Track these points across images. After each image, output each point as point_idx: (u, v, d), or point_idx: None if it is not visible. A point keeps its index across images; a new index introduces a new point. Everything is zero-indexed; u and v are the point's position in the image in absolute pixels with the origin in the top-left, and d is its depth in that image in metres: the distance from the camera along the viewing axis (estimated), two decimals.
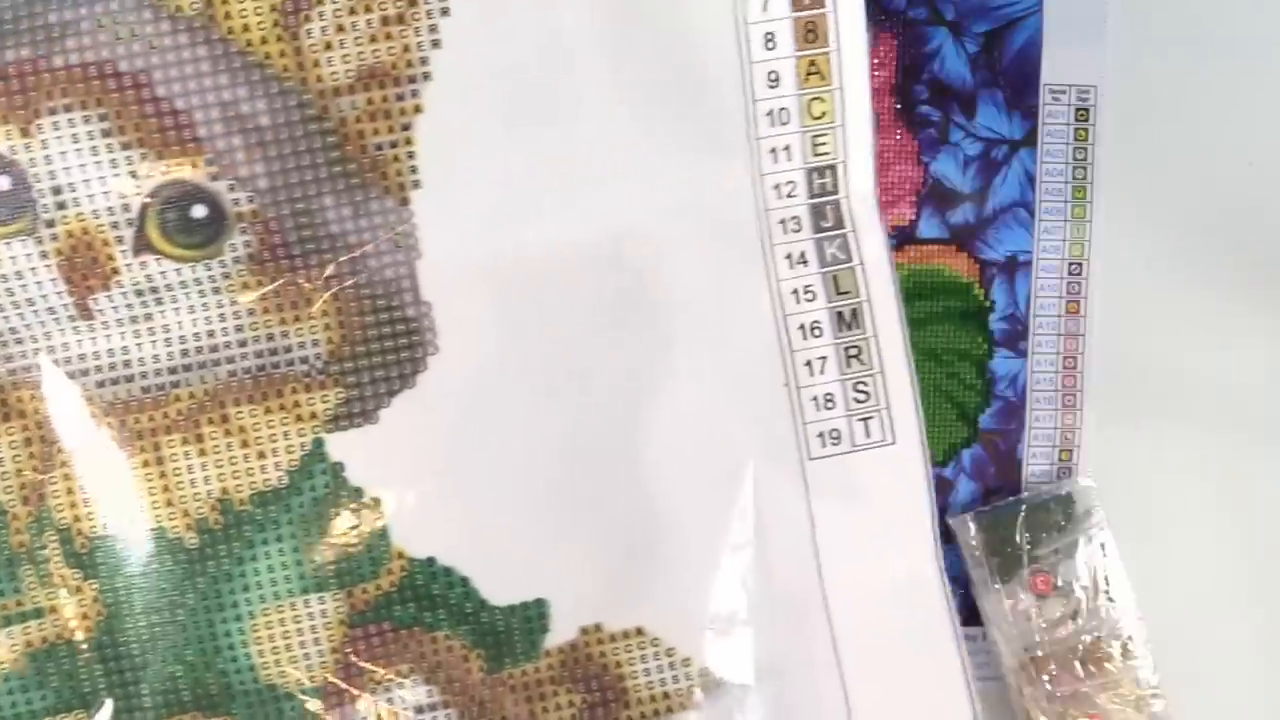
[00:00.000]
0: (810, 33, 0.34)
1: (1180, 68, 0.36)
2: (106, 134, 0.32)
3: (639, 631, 0.35)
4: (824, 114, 0.35)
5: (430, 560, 0.34)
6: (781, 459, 0.35)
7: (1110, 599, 0.34)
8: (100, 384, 0.33)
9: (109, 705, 0.34)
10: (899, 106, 0.36)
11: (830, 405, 0.35)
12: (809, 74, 0.34)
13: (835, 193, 0.35)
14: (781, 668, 0.35)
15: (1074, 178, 0.36)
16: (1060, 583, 0.34)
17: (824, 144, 0.35)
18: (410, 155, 0.33)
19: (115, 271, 0.32)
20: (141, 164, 0.32)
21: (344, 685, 0.34)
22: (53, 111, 0.31)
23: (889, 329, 0.35)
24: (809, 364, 0.35)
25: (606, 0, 0.33)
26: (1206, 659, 0.35)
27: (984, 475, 0.37)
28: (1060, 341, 0.36)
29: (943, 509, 0.36)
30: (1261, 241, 0.35)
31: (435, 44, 0.33)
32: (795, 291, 0.35)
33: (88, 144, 0.32)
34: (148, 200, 0.32)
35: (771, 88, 0.34)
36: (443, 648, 0.34)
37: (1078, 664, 0.34)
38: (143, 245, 0.32)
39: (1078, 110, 0.36)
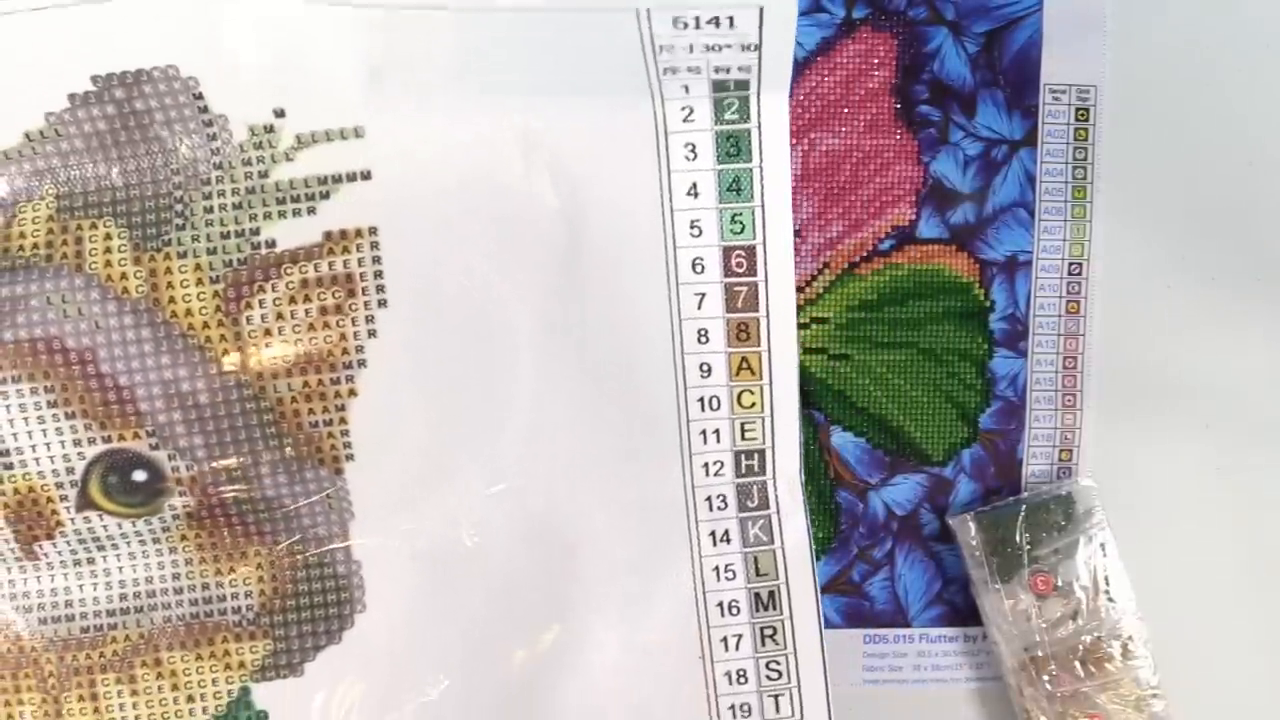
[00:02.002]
0: (742, 332, 0.31)
1: (1180, 68, 0.32)
2: (53, 404, 0.29)
3: None
4: (753, 404, 0.32)
5: None
6: None
7: (1110, 599, 0.31)
8: (43, 620, 0.31)
9: None
10: (899, 106, 0.32)
11: (743, 680, 0.33)
12: (740, 369, 0.31)
13: (761, 474, 0.32)
14: None
15: (1074, 178, 0.33)
16: (1060, 583, 0.31)
17: (752, 430, 0.32)
18: (344, 433, 0.31)
19: (59, 524, 0.30)
20: (85, 432, 0.30)
21: None
22: (2, 382, 0.29)
23: (804, 611, 0.32)
24: (725, 640, 0.32)
25: (544, 299, 0.31)
26: (1206, 659, 0.32)
27: (984, 475, 0.33)
28: (1060, 341, 0.33)
29: (943, 509, 0.33)
30: (1261, 241, 0.32)
31: (372, 334, 0.30)
32: (717, 569, 0.32)
33: (34, 413, 0.29)
34: (91, 464, 0.30)
35: (703, 377, 0.31)
36: None
37: (1078, 664, 0.31)
38: (85, 503, 0.30)
39: (1078, 110, 0.32)
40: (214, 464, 0.30)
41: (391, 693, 0.32)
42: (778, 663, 0.32)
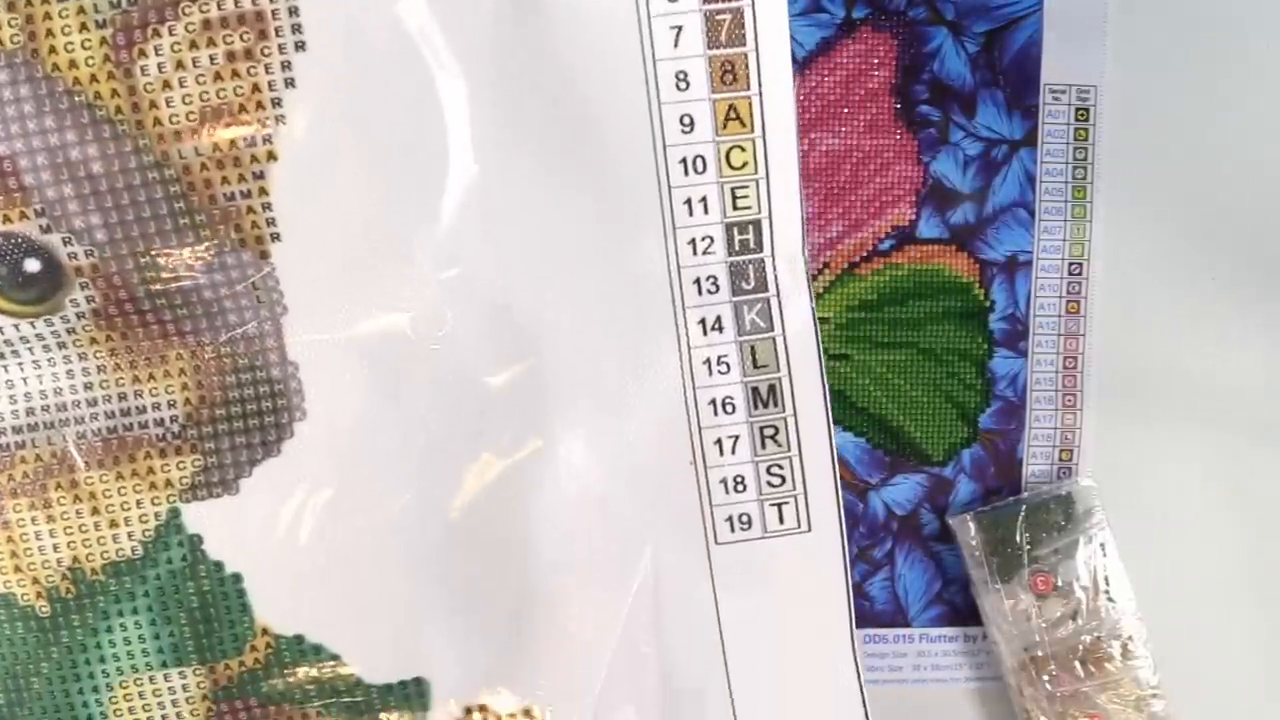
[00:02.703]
0: (728, 74, 0.25)
1: (1180, 68, 0.31)
2: None
3: (526, 713, 0.28)
4: (745, 164, 0.26)
5: (298, 638, 0.27)
6: (685, 544, 0.27)
7: (1110, 599, 0.30)
8: None
9: None
10: (899, 106, 0.30)
11: (741, 488, 0.27)
12: (727, 119, 0.26)
13: (758, 251, 0.27)
14: None
15: (1074, 178, 0.32)
16: (1060, 583, 0.30)
17: (745, 197, 0.26)
18: (266, 206, 0.25)
19: None
20: None
21: None
22: None
23: (810, 408, 0.27)
24: (719, 442, 0.27)
25: (494, 33, 0.25)
26: (1206, 659, 0.31)
27: (984, 475, 0.32)
28: (1060, 341, 0.32)
29: (943, 509, 0.31)
30: (1261, 241, 0.30)
31: (290, 83, 0.25)
32: (708, 362, 0.27)
33: None
34: None
35: (685, 133, 0.26)
36: None
37: (1078, 664, 0.30)
38: None
39: (1078, 110, 0.31)
40: (117, 248, 0.25)
41: (339, 510, 0.27)
42: (780, 467, 0.27)
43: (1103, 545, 0.31)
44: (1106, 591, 0.30)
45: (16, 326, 0.25)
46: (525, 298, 0.26)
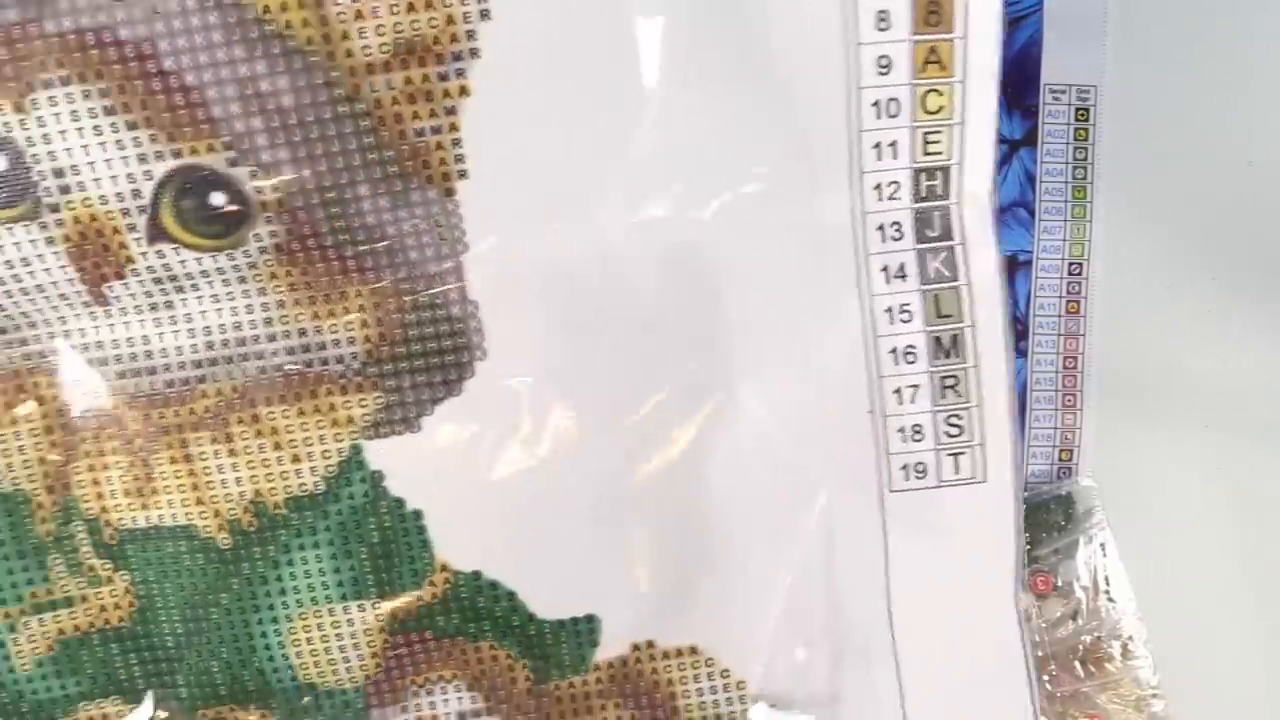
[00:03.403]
0: (933, 14, 0.23)
1: (1180, 68, 0.30)
2: (109, 111, 0.23)
3: (693, 650, 0.27)
4: (940, 109, 0.24)
5: (476, 574, 0.26)
6: (859, 489, 0.26)
7: (1110, 599, 0.30)
8: (121, 374, 0.25)
9: (149, 694, 0.27)
10: None
11: (918, 437, 0.26)
12: (927, 62, 0.24)
13: (945, 198, 0.25)
14: (841, 699, 0.27)
15: (1074, 178, 0.31)
16: (1060, 583, 0.30)
17: (936, 142, 0.24)
18: (456, 143, 0.23)
19: (129, 260, 0.24)
20: (151, 145, 0.23)
21: (385, 688, 0.27)
22: (48, 85, 0.22)
23: (993, 359, 0.25)
24: (898, 392, 0.26)
25: None
26: (1206, 659, 0.31)
27: None
28: (1060, 341, 0.31)
29: None
30: (1261, 241, 0.29)
31: (484, 14, 0.23)
32: (890, 310, 0.25)
33: (89, 122, 0.23)
34: (160, 186, 0.23)
35: (881, 74, 0.24)
36: (487, 657, 0.27)
37: (1078, 664, 0.30)
38: (158, 233, 0.24)
39: (1078, 110, 0.30)
40: (304, 183, 0.23)
41: (518, 450, 0.25)
42: (959, 417, 0.26)
43: (1103, 545, 0.30)
44: (1106, 591, 0.30)
45: (199, 260, 0.24)
46: (710, 240, 0.25)
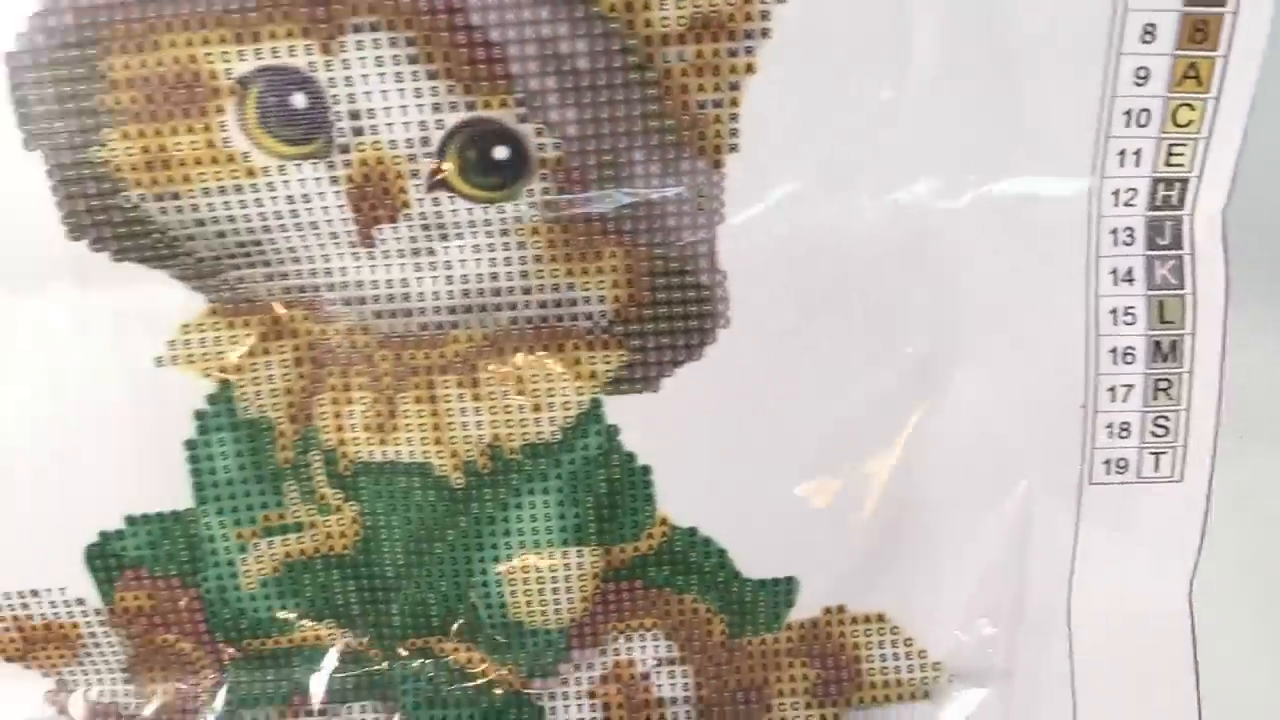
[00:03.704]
0: (1199, 31, 0.24)
1: None
2: (413, 60, 0.23)
3: (880, 618, 0.28)
4: (1190, 122, 0.25)
5: (692, 530, 0.27)
6: (1060, 479, 0.27)
7: None
8: (378, 314, 0.26)
9: (359, 620, 0.28)
10: None
11: (1125, 434, 0.27)
12: (1185, 77, 0.25)
13: (1179, 209, 0.26)
14: (1015, 675, 0.29)
15: None
16: None
17: (1180, 155, 0.25)
18: (733, 117, 0.24)
19: (405, 205, 0.25)
20: (447, 96, 0.24)
21: (588, 631, 0.28)
22: (357, 29, 0.23)
23: (1208, 367, 0.26)
24: (1112, 390, 0.27)
25: None
26: (1206, 659, 0.29)
27: None
28: None
29: None
30: (1261, 241, 0.28)
31: None
32: (1114, 311, 0.26)
33: (392, 68, 0.23)
34: (449, 135, 0.24)
35: (1138, 85, 0.25)
36: (689, 609, 0.28)
37: None
38: (437, 181, 0.24)
39: None
40: (585, 144, 0.24)
41: (749, 416, 0.26)
42: (1166, 419, 0.27)
43: None
44: None
45: (470, 210, 0.25)
46: (955, 229, 0.25)
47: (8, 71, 0.23)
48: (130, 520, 0.27)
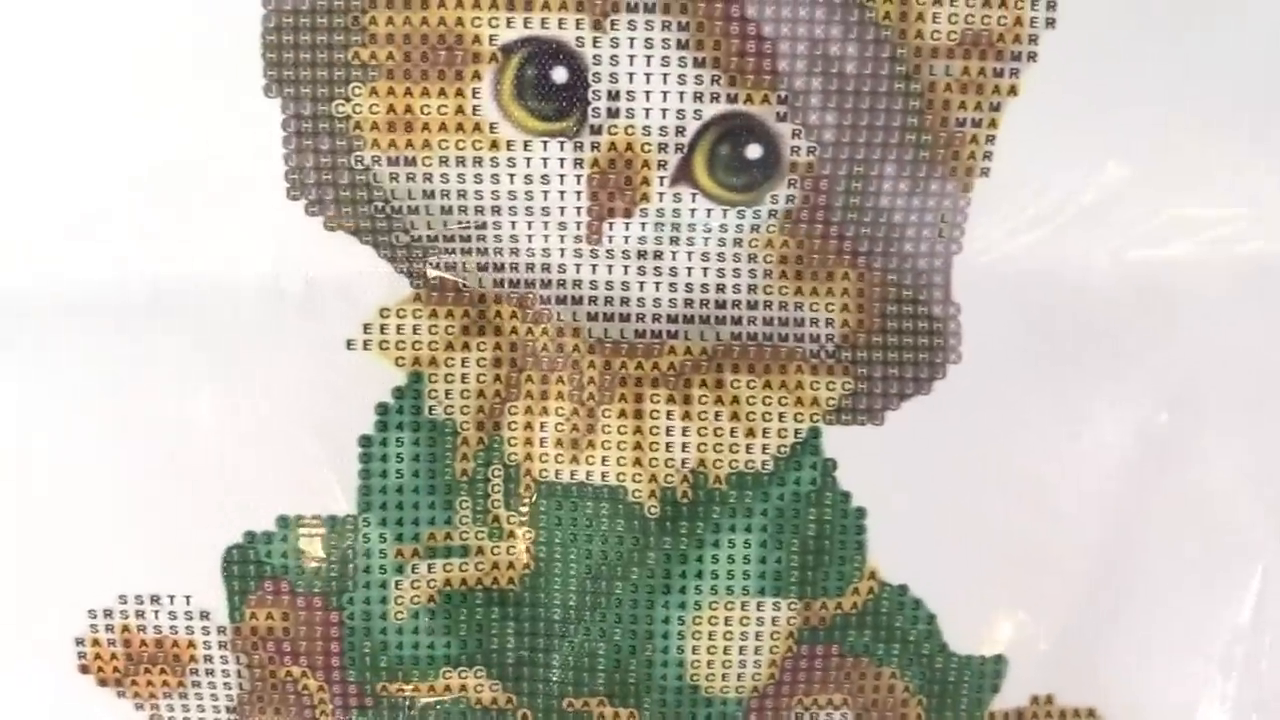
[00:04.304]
0: None
1: None
2: (683, 45, 0.23)
3: (1091, 713, 0.26)
4: None
5: (903, 588, 0.26)
6: None
7: None
8: (592, 316, 0.25)
9: (512, 669, 0.26)
10: None
11: None
12: None
13: None
14: None
15: None
16: None
17: None
18: (990, 139, 0.25)
19: (645, 198, 0.24)
20: (710, 86, 0.24)
21: (769, 704, 0.26)
22: (632, 8, 0.23)
23: None
24: None
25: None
26: None
27: None
28: None
29: None
30: None
31: (1050, 23, 0.24)
32: None
33: (660, 51, 0.24)
34: (705, 126, 0.24)
35: None
36: (885, 685, 0.26)
37: None
38: (683, 175, 0.24)
39: None
40: (839, 151, 0.24)
41: (976, 460, 0.25)
42: None
43: None
44: None
45: (709, 212, 0.24)
46: (1190, 286, 0.26)
47: (266, 12, 0.23)
48: (283, 521, 0.25)
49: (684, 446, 0.25)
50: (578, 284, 0.25)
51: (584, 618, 0.25)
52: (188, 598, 0.25)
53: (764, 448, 0.25)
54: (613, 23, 0.23)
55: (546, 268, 0.25)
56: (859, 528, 0.25)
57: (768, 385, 0.25)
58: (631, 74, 0.24)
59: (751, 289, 0.25)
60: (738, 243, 0.25)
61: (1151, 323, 0.25)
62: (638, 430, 0.25)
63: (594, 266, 0.25)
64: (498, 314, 0.25)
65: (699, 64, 0.23)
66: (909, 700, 0.26)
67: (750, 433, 0.25)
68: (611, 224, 0.24)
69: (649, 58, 0.23)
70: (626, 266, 0.25)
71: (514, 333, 0.25)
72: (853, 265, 0.25)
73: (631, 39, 0.23)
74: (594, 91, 0.24)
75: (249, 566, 0.25)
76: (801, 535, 0.25)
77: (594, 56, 0.23)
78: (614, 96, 0.24)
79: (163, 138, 0.24)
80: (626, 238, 0.24)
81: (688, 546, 0.25)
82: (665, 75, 0.24)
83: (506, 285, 0.25)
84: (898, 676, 0.26)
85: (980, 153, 0.25)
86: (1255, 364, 0.26)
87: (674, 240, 0.25)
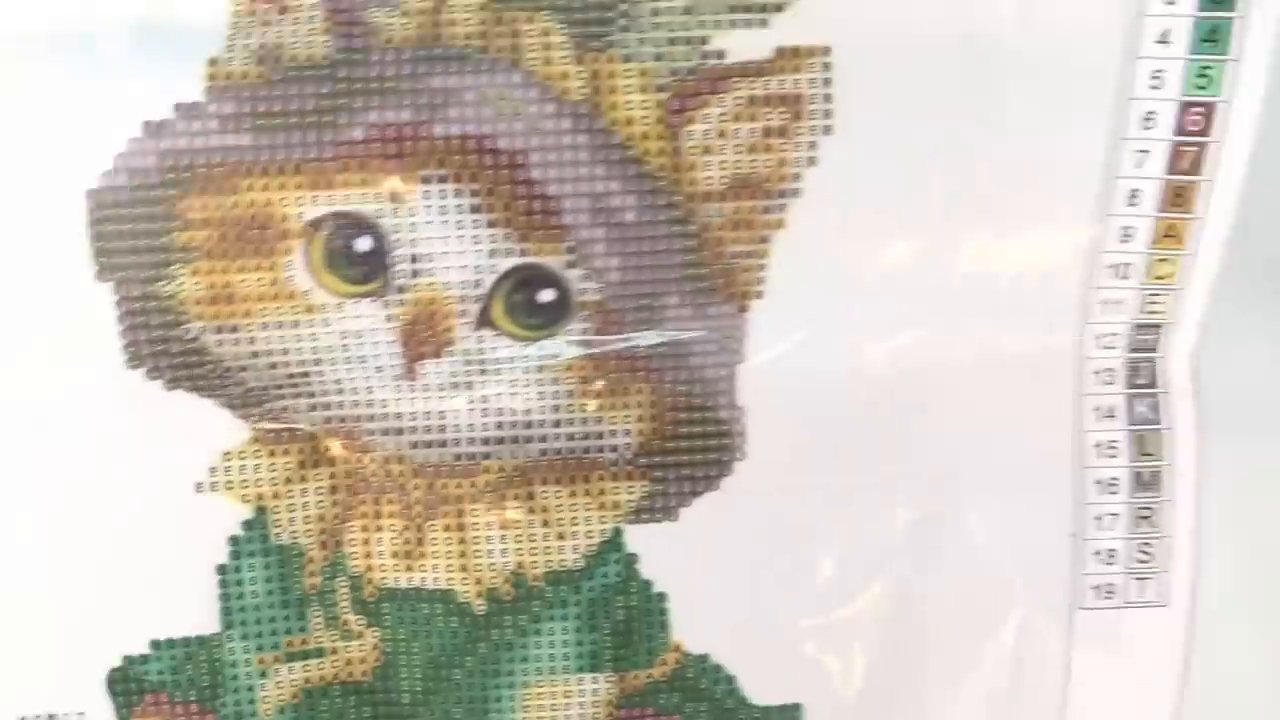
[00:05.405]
0: (1179, 197, 0.30)
1: None
2: (475, 209, 0.27)
3: None
4: (1167, 275, 0.31)
5: (703, 657, 0.31)
6: (1051, 607, 0.32)
7: None
8: (414, 445, 0.29)
9: None
10: None
11: (1111, 561, 0.32)
12: (1165, 235, 0.30)
13: (1154, 351, 0.31)
14: None
15: None
16: None
17: (1158, 304, 0.31)
18: (761, 267, 0.29)
19: (450, 342, 0.28)
20: (504, 243, 0.28)
21: None
22: (426, 180, 0.27)
23: (1186, 496, 0.32)
24: (1099, 519, 0.32)
25: (983, 141, 0.29)
26: (1207, 659, 0.32)
27: None
28: None
29: None
30: (1261, 241, 0.31)
31: (811, 161, 0.28)
32: (1098, 445, 0.31)
33: (455, 216, 0.27)
34: (500, 279, 0.28)
35: (1123, 242, 0.30)
36: None
37: None
38: (484, 320, 0.28)
39: None
40: (625, 289, 0.29)
41: (762, 544, 0.31)
42: (1150, 545, 0.32)
43: None
44: None
45: (510, 347, 0.29)
46: (954, 371, 0.30)
47: (90, 206, 0.27)
48: (155, 644, 0.29)
49: (503, 551, 0.30)
50: (399, 417, 0.29)
51: (430, 701, 0.31)
52: (80, 714, 0.30)
53: (574, 548, 0.30)
54: (409, 194, 0.27)
55: (370, 404, 0.29)
56: (662, 610, 0.30)
57: (573, 494, 0.30)
58: (430, 238, 0.28)
59: (555, 409, 0.29)
60: (540, 370, 0.29)
61: (913, 408, 0.30)
62: (461, 540, 0.30)
63: (413, 400, 0.29)
64: (329, 448, 0.29)
65: (491, 225, 0.28)
66: None
67: (560, 536, 0.30)
68: (423, 365, 0.29)
69: (444, 222, 0.27)
70: (442, 398, 0.29)
71: (346, 463, 0.29)
72: (646, 381, 0.29)
73: (427, 207, 0.27)
74: (396, 256, 0.28)
75: (130, 684, 0.29)
76: (612, 620, 0.30)
77: (394, 225, 0.27)
78: (415, 259, 0.28)
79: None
80: (440, 374, 0.29)
81: (513, 636, 0.30)
82: (460, 236, 0.28)
83: (335, 422, 0.29)
84: None
85: (754, 279, 0.29)
86: (1006, 436, 0.31)
87: (483, 373, 0.29)
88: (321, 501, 0.29)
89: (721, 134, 0.28)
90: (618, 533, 0.30)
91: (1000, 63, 0.29)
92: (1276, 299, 0.32)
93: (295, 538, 0.29)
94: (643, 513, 0.30)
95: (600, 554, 0.30)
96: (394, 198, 0.27)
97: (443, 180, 0.27)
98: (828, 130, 0.28)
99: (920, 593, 0.31)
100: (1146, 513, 0.32)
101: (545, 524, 0.30)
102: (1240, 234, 0.30)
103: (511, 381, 0.29)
